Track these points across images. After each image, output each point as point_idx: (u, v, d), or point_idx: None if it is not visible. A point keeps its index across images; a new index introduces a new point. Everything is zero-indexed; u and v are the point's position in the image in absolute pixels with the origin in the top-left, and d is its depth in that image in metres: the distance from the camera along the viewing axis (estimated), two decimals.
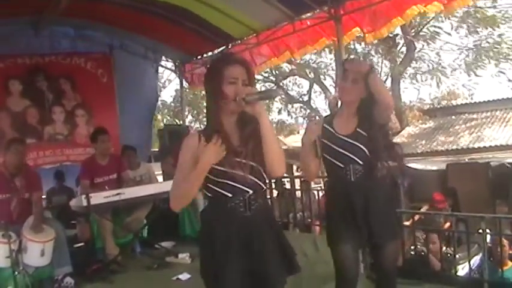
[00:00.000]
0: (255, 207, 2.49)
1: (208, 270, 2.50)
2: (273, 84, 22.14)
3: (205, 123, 2.64)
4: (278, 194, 9.76)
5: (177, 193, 2.47)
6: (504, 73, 18.44)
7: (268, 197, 8.53)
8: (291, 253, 2.61)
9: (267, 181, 2.61)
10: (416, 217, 8.11)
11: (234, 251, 2.44)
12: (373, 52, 20.32)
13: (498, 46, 17.67)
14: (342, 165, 3.20)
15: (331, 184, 3.46)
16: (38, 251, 4.72)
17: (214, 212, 2.51)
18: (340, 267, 3.26)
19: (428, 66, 19.88)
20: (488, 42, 17.85)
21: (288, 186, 9.35)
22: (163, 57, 9.40)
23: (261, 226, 2.52)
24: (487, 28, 17.21)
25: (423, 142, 14.27)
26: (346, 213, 3.21)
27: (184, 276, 4.99)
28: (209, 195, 2.50)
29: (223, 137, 2.43)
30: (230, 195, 2.45)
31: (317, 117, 3.18)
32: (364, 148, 3.19)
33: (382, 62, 20.69)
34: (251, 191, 2.48)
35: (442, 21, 17.80)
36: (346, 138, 3.20)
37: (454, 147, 13.14)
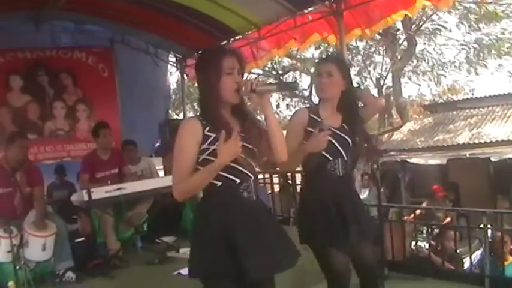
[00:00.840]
0: (257, 193, 2.54)
1: (220, 265, 2.39)
2: (273, 79, 22.15)
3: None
4: (280, 189, 9.78)
5: (184, 186, 2.43)
6: (503, 67, 18.54)
7: (269, 192, 8.60)
8: (291, 241, 2.63)
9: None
10: (418, 212, 8.13)
11: (255, 239, 2.42)
12: (373, 49, 20.35)
13: (499, 42, 17.68)
14: (330, 158, 3.12)
15: (313, 177, 3.24)
16: (39, 246, 4.72)
17: (224, 202, 2.45)
18: (333, 272, 3.13)
19: (428, 63, 19.93)
20: (490, 39, 17.85)
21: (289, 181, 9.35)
22: (165, 52, 9.35)
23: (265, 213, 2.59)
24: (488, 24, 17.19)
25: (424, 137, 14.25)
26: (332, 212, 3.09)
27: (185, 271, 4.92)
28: (217, 184, 2.43)
29: (227, 124, 2.43)
30: (238, 180, 2.45)
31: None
32: (350, 143, 3.19)
33: (383, 58, 20.70)
34: (253, 176, 2.51)
35: (440, 18, 17.84)
36: (335, 130, 3.15)
37: (455, 142, 13.11)
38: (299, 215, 3.36)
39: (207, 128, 2.41)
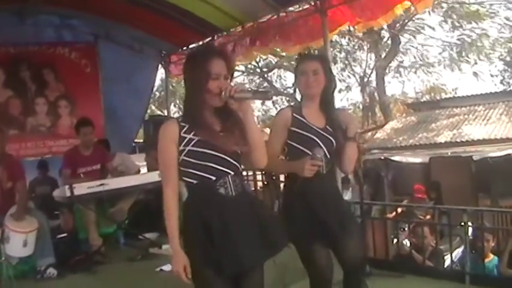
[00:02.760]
0: (238, 189, 2.57)
1: (204, 262, 2.48)
2: (258, 76, 22.21)
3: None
4: (263, 185, 9.79)
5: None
6: (485, 68, 18.78)
7: (253, 188, 8.60)
8: (274, 232, 2.64)
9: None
10: (399, 210, 8.18)
11: (232, 233, 2.48)
12: (357, 46, 20.45)
13: (480, 42, 17.89)
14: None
15: (298, 175, 3.11)
16: (20, 242, 4.69)
17: (202, 198, 2.54)
18: (318, 267, 3.16)
19: (411, 60, 20.10)
20: (472, 39, 18.04)
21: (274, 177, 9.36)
22: (149, 48, 9.30)
23: (246, 207, 2.58)
24: (470, 23, 17.36)
25: (406, 135, 14.34)
26: (314, 210, 3.12)
27: (167, 267, 4.98)
28: (193, 182, 2.53)
29: (206, 123, 2.51)
30: (214, 178, 2.51)
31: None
32: (334, 142, 3.21)
33: (367, 56, 20.82)
34: (232, 172, 2.55)
35: (421, 19, 18.00)
36: (319, 130, 3.18)
37: (437, 141, 13.21)
38: (282, 212, 3.36)
39: (184, 130, 2.51)
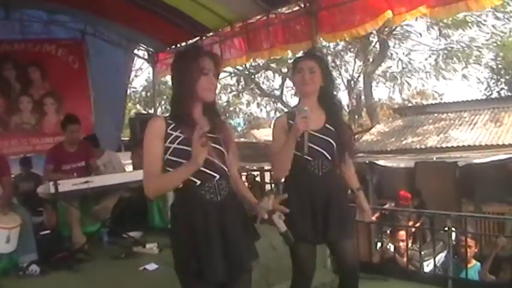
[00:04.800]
0: (224, 193, 2.55)
1: (188, 264, 2.48)
2: (245, 77, 22.21)
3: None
4: (248, 187, 9.80)
5: (154, 186, 2.50)
6: (471, 75, 18.93)
7: None
8: (255, 238, 2.68)
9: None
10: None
11: (215, 241, 2.47)
12: (344, 49, 20.51)
13: (467, 50, 18.03)
14: (310, 159, 3.18)
15: (294, 176, 3.26)
16: (3, 238, 4.64)
17: (186, 203, 2.52)
18: (299, 262, 3.27)
19: (398, 66, 20.22)
20: (459, 47, 18.19)
21: (258, 179, 9.38)
22: (137, 46, 9.27)
23: (232, 211, 2.57)
24: (457, 29, 17.48)
25: (393, 140, 14.39)
26: (307, 207, 3.20)
27: (151, 267, 4.96)
28: (179, 185, 2.49)
29: (193, 121, 2.49)
30: (198, 182, 2.49)
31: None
32: (333, 143, 3.23)
33: (354, 61, 20.89)
34: (218, 176, 2.53)
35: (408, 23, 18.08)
36: (316, 133, 3.20)
37: (423, 146, 13.28)
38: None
39: (170, 127, 2.50)
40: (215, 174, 2.52)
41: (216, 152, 2.52)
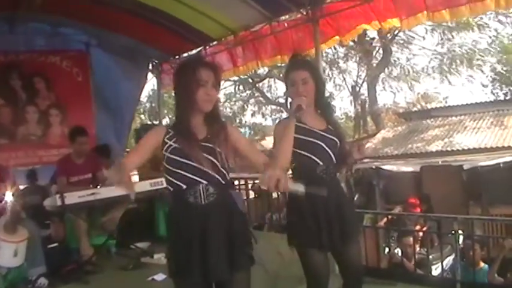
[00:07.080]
0: (211, 198, 2.57)
1: (177, 268, 2.58)
2: (249, 86, 22.21)
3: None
4: (255, 196, 9.81)
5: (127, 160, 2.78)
6: (475, 78, 18.88)
7: (245, 197, 8.60)
8: (240, 250, 2.62)
9: (228, 177, 2.68)
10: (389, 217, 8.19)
11: (194, 245, 2.52)
12: (345, 55, 20.52)
13: (470, 53, 18.01)
14: (320, 163, 3.16)
15: (304, 181, 3.01)
16: (11, 252, 4.64)
17: (176, 207, 2.63)
18: (314, 271, 3.21)
19: (401, 71, 20.20)
20: (462, 50, 18.17)
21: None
22: (141, 56, 9.29)
23: (217, 218, 2.57)
24: (460, 33, 17.48)
25: (398, 144, 14.37)
26: (319, 214, 3.14)
27: (159, 277, 4.96)
28: (170, 189, 2.61)
29: (187, 131, 2.58)
30: (184, 186, 2.55)
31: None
32: (338, 143, 3.24)
33: (358, 66, 20.90)
34: (205, 182, 2.56)
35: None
36: (322, 132, 3.21)
37: (428, 150, 13.25)
38: (287, 217, 3.41)
39: (168, 135, 2.61)
40: (201, 180, 2.56)
41: (207, 162, 2.56)
